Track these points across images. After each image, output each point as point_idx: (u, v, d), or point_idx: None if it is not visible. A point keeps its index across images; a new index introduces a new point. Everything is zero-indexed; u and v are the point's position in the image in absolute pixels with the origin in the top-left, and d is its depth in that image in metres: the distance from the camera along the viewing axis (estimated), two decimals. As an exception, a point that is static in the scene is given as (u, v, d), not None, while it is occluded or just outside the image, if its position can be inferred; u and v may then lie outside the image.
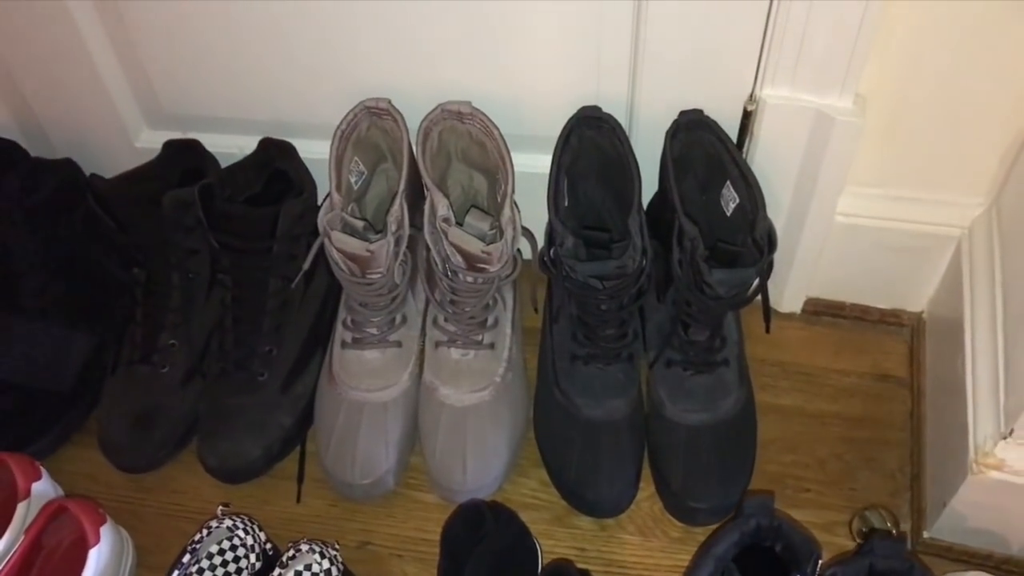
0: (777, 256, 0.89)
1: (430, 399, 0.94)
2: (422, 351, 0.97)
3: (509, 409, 0.95)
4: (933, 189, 0.93)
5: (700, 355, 0.92)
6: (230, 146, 1.01)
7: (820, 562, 0.70)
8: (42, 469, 0.92)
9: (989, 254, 0.91)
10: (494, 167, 0.93)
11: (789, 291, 1.05)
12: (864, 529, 0.89)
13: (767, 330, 0.93)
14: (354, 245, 0.86)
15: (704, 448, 0.91)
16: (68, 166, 1.01)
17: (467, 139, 0.93)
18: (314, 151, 0.97)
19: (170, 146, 0.99)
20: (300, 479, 0.97)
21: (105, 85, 0.99)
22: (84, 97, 1.01)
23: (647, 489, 0.95)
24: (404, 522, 0.95)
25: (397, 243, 0.88)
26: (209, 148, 1.01)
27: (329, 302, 1.01)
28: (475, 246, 0.85)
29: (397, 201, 0.87)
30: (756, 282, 0.87)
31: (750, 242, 0.84)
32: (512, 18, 0.87)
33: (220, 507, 0.87)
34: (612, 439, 0.92)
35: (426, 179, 0.88)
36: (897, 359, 1.04)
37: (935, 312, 1.02)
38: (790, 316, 1.08)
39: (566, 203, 0.90)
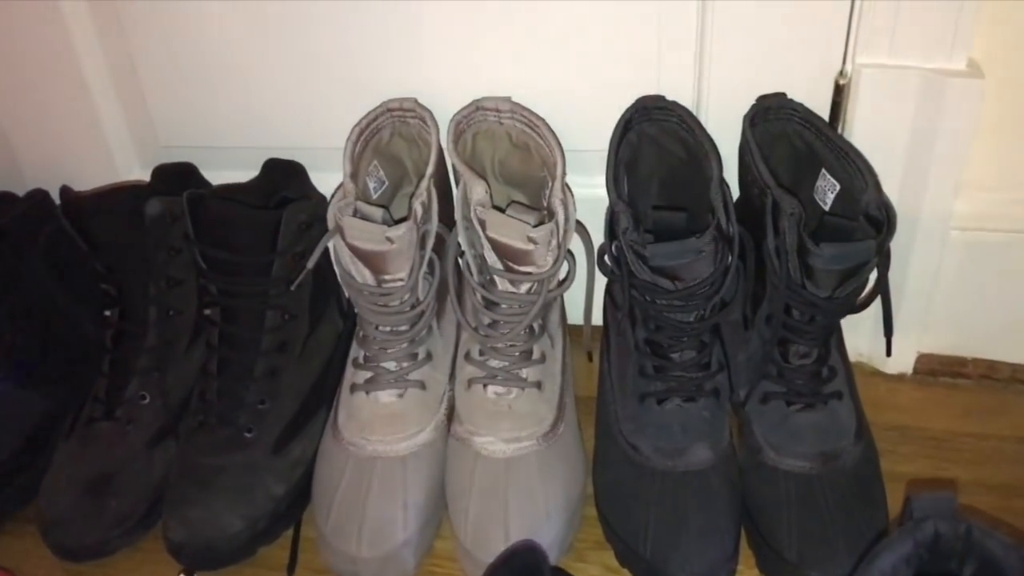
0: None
1: (462, 452, 0.74)
2: (451, 400, 0.78)
3: (562, 466, 0.74)
4: (1068, 187, 0.78)
5: (807, 384, 0.72)
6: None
7: (1039, 572, 0.47)
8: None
9: None
10: (538, 174, 0.78)
11: (898, 342, 0.85)
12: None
13: (888, 350, 0.74)
14: (371, 234, 0.69)
15: (821, 502, 0.69)
16: (37, 198, 0.87)
17: (506, 145, 0.79)
18: (326, 182, 0.83)
19: (160, 172, 0.85)
20: (291, 568, 0.75)
21: (98, 114, 0.88)
22: (72, 128, 0.89)
23: (748, 571, 0.72)
24: (426, 620, 0.72)
25: (423, 238, 0.72)
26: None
27: (338, 354, 0.82)
28: (519, 233, 0.69)
29: (424, 184, 0.72)
30: (873, 279, 0.70)
31: (862, 219, 0.68)
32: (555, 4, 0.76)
33: (181, 574, 0.65)
34: (698, 496, 0.70)
35: (459, 166, 0.73)
36: (1043, 420, 0.84)
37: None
38: (900, 377, 0.88)
39: (627, 192, 0.75)
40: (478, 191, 0.71)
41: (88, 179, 0.90)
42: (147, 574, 0.75)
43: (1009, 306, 0.84)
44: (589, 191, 0.80)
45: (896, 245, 0.78)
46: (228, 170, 0.87)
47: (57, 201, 0.86)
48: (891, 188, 0.77)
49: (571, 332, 0.83)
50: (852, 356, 0.82)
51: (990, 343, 0.87)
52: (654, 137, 0.77)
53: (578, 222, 0.75)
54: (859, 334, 0.86)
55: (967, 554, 0.51)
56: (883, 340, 0.75)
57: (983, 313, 0.85)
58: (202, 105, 0.88)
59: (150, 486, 0.77)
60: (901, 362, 0.88)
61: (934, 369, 0.88)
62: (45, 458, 0.81)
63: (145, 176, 0.90)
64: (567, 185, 0.73)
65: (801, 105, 0.75)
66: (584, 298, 0.81)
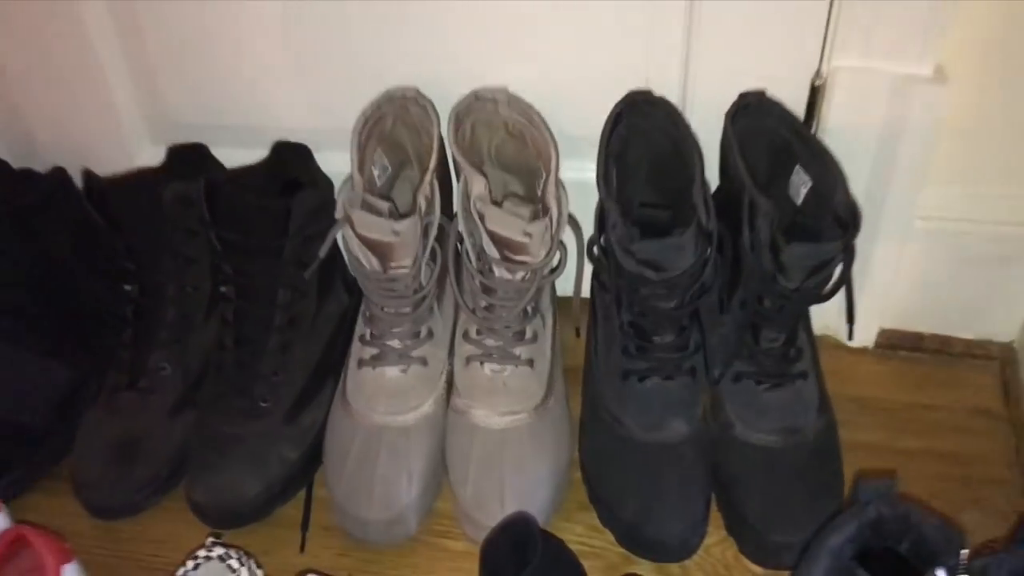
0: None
1: (460, 424, 0.81)
2: (450, 373, 0.84)
3: (551, 437, 0.81)
4: (1022, 183, 0.84)
5: (775, 365, 0.79)
6: (241, 162, 0.92)
7: (966, 552, 0.55)
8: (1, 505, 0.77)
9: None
10: (533, 162, 0.83)
11: (861, 321, 0.92)
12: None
13: (850, 335, 0.81)
14: (379, 227, 0.75)
15: (785, 473, 0.77)
16: (58, 175, 0.91)
17: (502, 133, 0.84)
18: (333, 163, 0.88)
19: (174, 152, 0.90)
20: (305, 525, 0.82)
21: (108, 88, 0.92)
22: (83, 102, 0.93)
23: (716, 534, 0.80)
24: (428, 573, 0.79)
25: (426, 230, 0.78)
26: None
27: (345, 327, 0.89)
28: (515, 227, 0.75)
29: (427, 178, 0.77)
30: (839, 272, 0.76)
31: (830, 219, 0.74)
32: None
33: (210, 537, 0.72)
34: (674, 465, 0.78)
35: (460, 159, 0.78)
36: (989, 393, 0.91)
37: (1030, 338, 0.90)
38: (862, 351, 0.96)
39: (616, 188, 0.80)
40: (478, 186, 0.76)
41: (101, 154, 0.95)
42: (172, 531, 0.83)
43: (964, 288, 0.91)
44: (580, 175, 0.86)
45: (864, 231, 0.83)
46: (236, 148, 0.92)
47: (76, 180, 0.91)
48: (860, 181, 0.83)
49: (560, 306, 0.90)
50: (819, 329, 0.89)
51: (946, 320, 0.94)
52: (643, 128, 0.83)
53: (570, 215, 0.81)
54: (827, 309, 0.92)
55: (904, 533, 0.58)
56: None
57: (940, 293, 0.92)
58: (211, 85, 0.92)
59: (172, 451, 0.84)
60: (864, 336, 0.95)
61: (894, 343, 0.95)
62: (72, 422, 0.88)
63: (156, 151, 0.95)
64: (560, 181, 0.78)
65: (779, 103, 0.81)
66: (574, 278, 0.87)
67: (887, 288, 0.91)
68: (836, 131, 0.81)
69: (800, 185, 0.79)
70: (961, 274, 0.89)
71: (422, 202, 0.76)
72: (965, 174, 0.84)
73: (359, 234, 0.76)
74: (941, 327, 0.95)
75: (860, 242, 0.81)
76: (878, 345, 0.96)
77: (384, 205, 0.77)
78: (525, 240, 0.75)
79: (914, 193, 0.83)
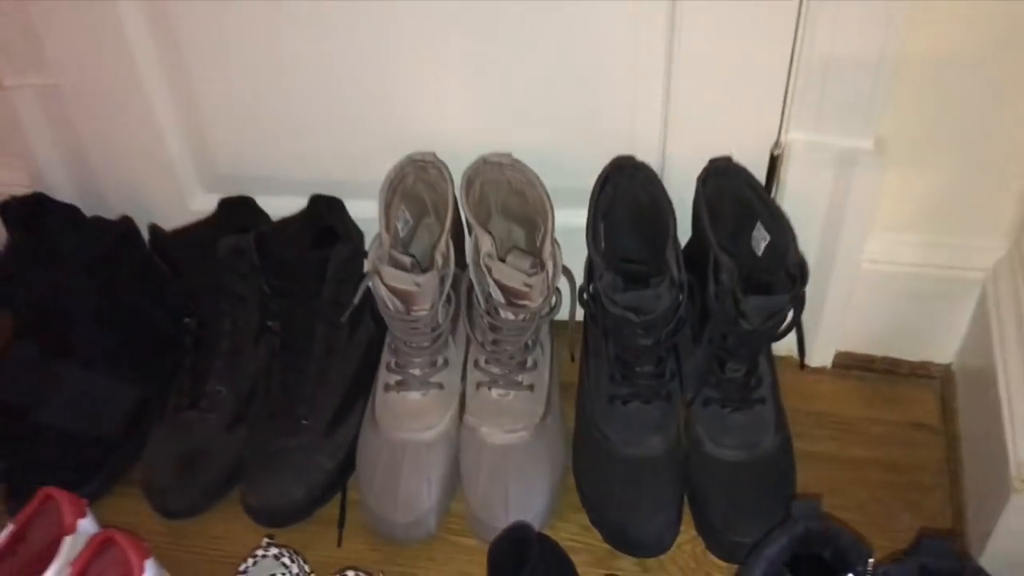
0: (807, 305, 0.93)
1: (472, 439, 0.96)
2: (463, 394, 0.99)
3: (548, 450, 0.96)
4: (955, 233, 0.97)
5: (737, 392, 0.94)
6: (281, 208, 1.06)
7: (872, 562, 0.70)
8: (87, 507, 0.92)
9: (1015, 295, 0.94)
10: (533, 216, 0.97)
11: (820, 344, 1.07)
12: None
13: (801, 365, 0.96)
14: (403, 280, 0.89)
15: (745, 484, 0.91)
16: (126, 223, 1.06)
17: (507, 190, 0.98)
18: (362, 210, 1.02)
19: (225, 203, 1.05)
20: (341, 523, 0.97)
21: (165, 146, 1.05)
22: (144, 159, 1.07)
23: (687, 533, 0.95)
24: (445, 565, 0.95)
25: (442, 280, 0.92)
26: (261, 207, 1.07)
27: (372, 353, 1.03)
28: (518, 279, 0.89)
29: (443, 238, 0.92)
30: (791, 315, 0.90)
31: (782, 273, 0.88)
32: (551, 76, 0.94)
33: (266, 539, 0.87)
34: (652, 475, 0.93)
35: (471, 219, 0.93)
36: (928, 408, 1.05)
37: (965, 361, 1.03)
38: (821, 370, 1.10)
39: (603, 245, 0.94)
40: (486, 244, 0.90)
41: (159, 201, 1.10)
42: (229, 528, 0.98)
43: (908, 318, 1.04)
44: (574, 220, 0.99)
45: (820, 272, 0.99)
46: (277, 195, 1.06)
47: (140, 224, 1.06)
48: (815, 232, 0.97)
49: (558, 331, 1.04)
50: (784, 351, 1.03)
51: (893, 345, 1.08)
52: (627, 188, 0.96)
53: (564, 267, 0.95)
54: (793, 335, 1.07)
55: (826, 544, 0.73)
56: (811, 342, 0.98)
57: (888, 322, 1.05)
58: (256, 142, 1.06)
59: (228, 461, 0.99)
60: (822, 358, 1.09)
61: (849, 364, 1.09)
62: (140, 435, 1.03)
63: (206, 198, 1.10)
64: (556, 240, 0.92)
65: (744, 168, 0.94)
66: (569, 314, 1.01)
67: (841, 318, 1.04)
68: (793, 192, 0.95)
69: (761, 240, 0.93)
70: (904, 307, 1.03)
71: (439, 258, 0.90)
72: (905, 226, 0.98)
73: (386, 284, 0.90)
74: (890, 350, 1.08)
75: (817, 281, 0.96)
76: (835, 365, 1.10)
77: (407, 260, 0.91)
78: (526, 289, 0.90)
79: (860, 243, 0.97)
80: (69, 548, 0.88)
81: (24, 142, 1.10)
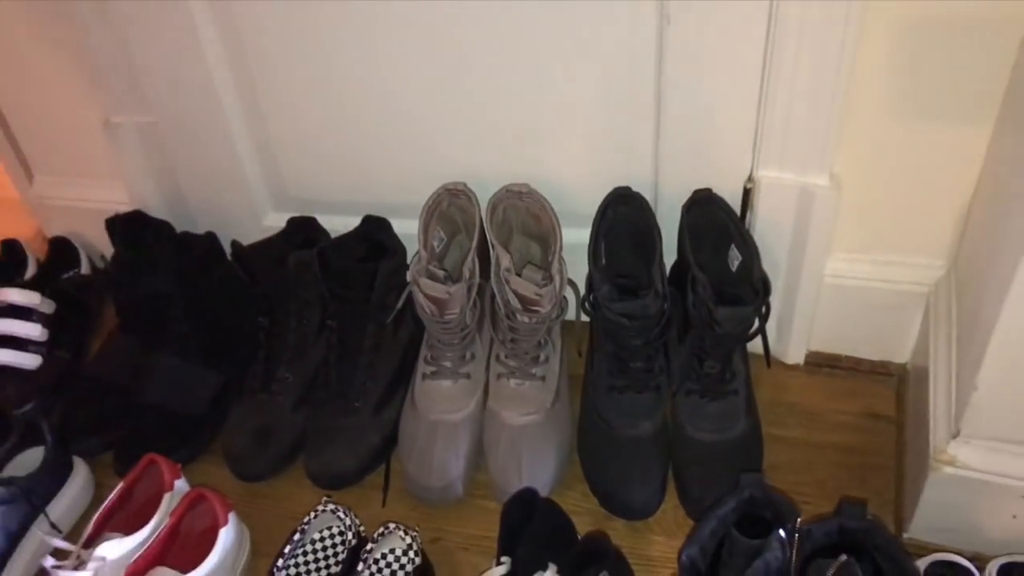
0: (779, 314, 1.12)
1: (493, 421, 1.16)
2: (487, 383, 1.19)
3: (556, 431, 1.16)
4: (903, 253, 1.15)
5: (713, 385, 1.12)
6: (339, 225, 1.27)
7: (799, 520, 0.88)
8: (180, 470, 1.14)
9: (948, 309, 1.11)
10: (547, 235, 1.17)
11: (792, 345, 1.25)
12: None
13: (767, 365, 1.14)
14: (437, 289, 1.09)
15: (718, 461, 1.10)
16: (210, 238, 1.28)
17: (525, 213, 1.18)
18: (406, 227, 1.22)
19: (293, 222, 1.26)
20: (386, 488, 1.18)
21: (244, 173, 1.27)
22: (225, 183, 1.29)
23: (671, 500, 1.14)
24: (470, 522, 1.14)
25: (469, 290, 1.12)
26: (322, 225, 1.28)
27: (411, 349, 1.23)
28: (531, 290, 1.09)
29: (471, 255, 1.12)
30: (757, 323, 1.09)
31: (749, 288, 1.07)
32: (562, 122, 1.13)
33: (324, 498, 1.08)
34: (642, 453, 1.12)
35: (493, 240, 1.12)
36: (886, 401, 1.23)
37: (916, 362, 1.21)
38: (794, 367, 1.28)
39: (603, 261, 1.14)
40: (505, 260, 1.10)
41: (237, 217, 1.31)
42: (293, 491, 1.19)
43: (868, 323, 1.21)
44: (579, 239, 1.18)
45: (788, 285, 1.17)
46: (336, 215, 1.27)
47: (222, 240, 1.27)
48: (782, 253, 1.15)
49: (568, 330, 1.23)
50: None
51: (857, 345, 1.25)
52: (624, 215, 1.16)
53: (569, 279, 1.14)
54: (769, 336, 1.25)
55: (766, 507, 0.92)
56: (786, 343, 1.18)
57: (851, 326, 1.23)
58: (319, 170, 1.26)
59: (294, 435, 1.20)
60: (796, 356, 1.27)
61: (819, 362, 1.27)
62: (221, 413, 1.25)
63: (276, 216, 1.31)
64: (562, 258, 1.12)
65: (721, 199, 1.13)
66: (575, 316, 1.20)
67: (810, 323, 1.22)
68: (763, 220, 1.13)
69: (734, 259, 1.11)
70: (865, 314, 1.21)
71: (466, 272, 1.10)
72: (861, 247, 1.15)
73: (424, 292, 1.11)
74: (854, 350, 1.26)
75: (787, 294, 1.15)
76: (807, 363, 1.27)
77: (441, 273, 1.11)
78: (538, 298, 1.09)
79: (822, 261, 1.15)
80: (168, 503, 1.10)
81: (125, 168, 1.32)
